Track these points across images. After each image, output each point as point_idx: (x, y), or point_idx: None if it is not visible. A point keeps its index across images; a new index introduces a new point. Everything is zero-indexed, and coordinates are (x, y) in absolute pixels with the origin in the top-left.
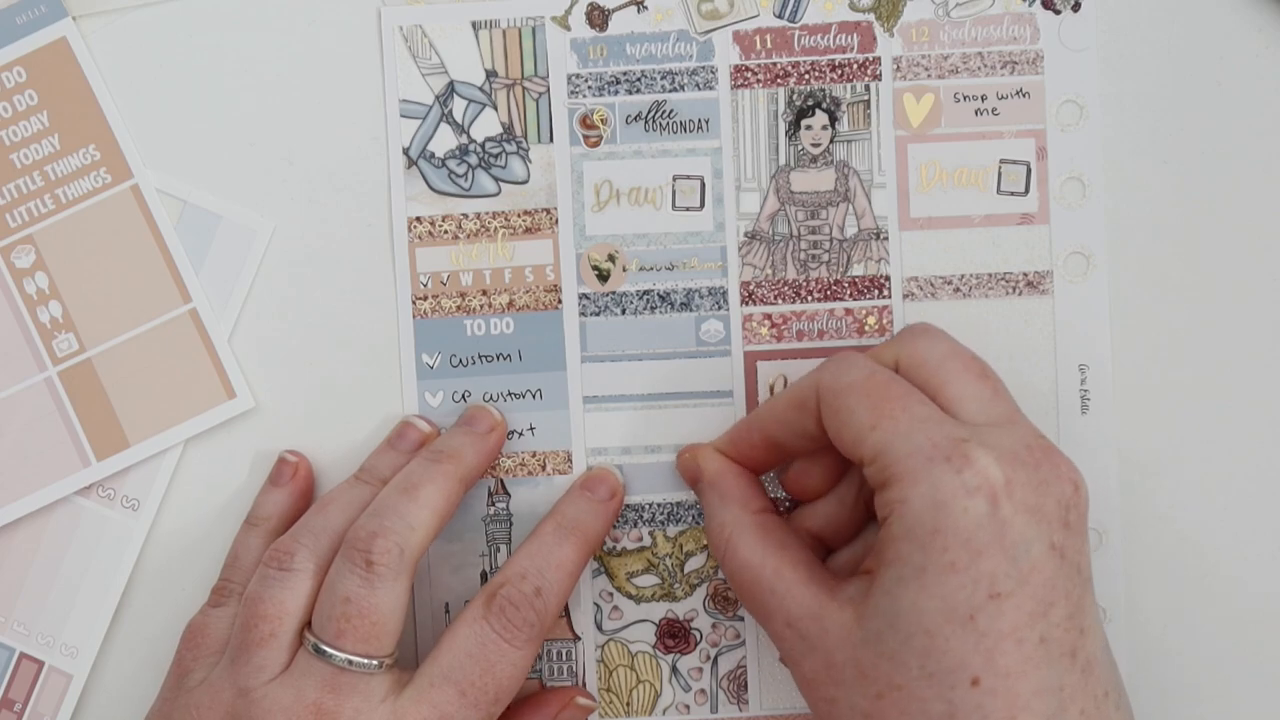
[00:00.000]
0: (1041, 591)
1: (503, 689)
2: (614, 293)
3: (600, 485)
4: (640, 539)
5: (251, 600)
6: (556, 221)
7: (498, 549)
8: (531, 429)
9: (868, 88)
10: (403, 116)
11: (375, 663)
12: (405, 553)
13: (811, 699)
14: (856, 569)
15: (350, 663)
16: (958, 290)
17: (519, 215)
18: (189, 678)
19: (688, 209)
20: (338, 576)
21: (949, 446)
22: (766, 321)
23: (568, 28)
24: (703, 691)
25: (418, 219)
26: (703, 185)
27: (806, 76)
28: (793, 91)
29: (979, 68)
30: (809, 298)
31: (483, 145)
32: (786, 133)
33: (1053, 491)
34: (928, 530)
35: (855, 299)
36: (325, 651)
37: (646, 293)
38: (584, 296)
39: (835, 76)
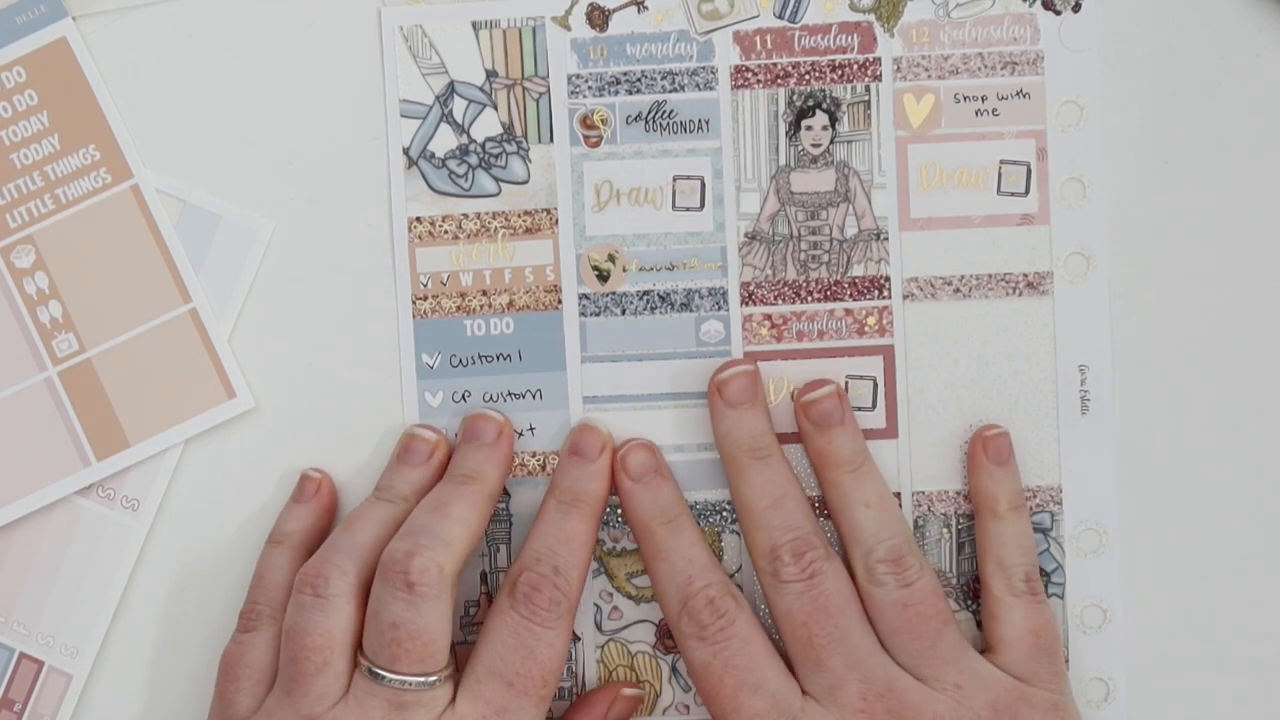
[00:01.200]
0: None
1: (548, 671)
2: (614, 293)
3: (588, 445)
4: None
5: (295, 632)
6: (556, 222)
7: (497, 549)
8: (531, 429)
9: (868, 88)
10: (403, 116)
11: (433, 678)
12: (444, 569)
13: None
14: None
15: (408, 683)
16: (958, 291)
17: (519, 215)
18: (235, 708)
19: (688, 209)
20: (380, 601)
21: None
22: (766, 322)
23: (568, 28)
24: None
25: (418, 219)
26: (703, 185)
27: (807, 77)
28: (793, 92)
29: (979, 68)
30: (809, 298)
31: (483, 145)
32: (787, 133)
33: None
34: None
35: (855, 299)
36: (382, 676)
37: (646, 293)
38: (584, 297)
39: (835, 77)
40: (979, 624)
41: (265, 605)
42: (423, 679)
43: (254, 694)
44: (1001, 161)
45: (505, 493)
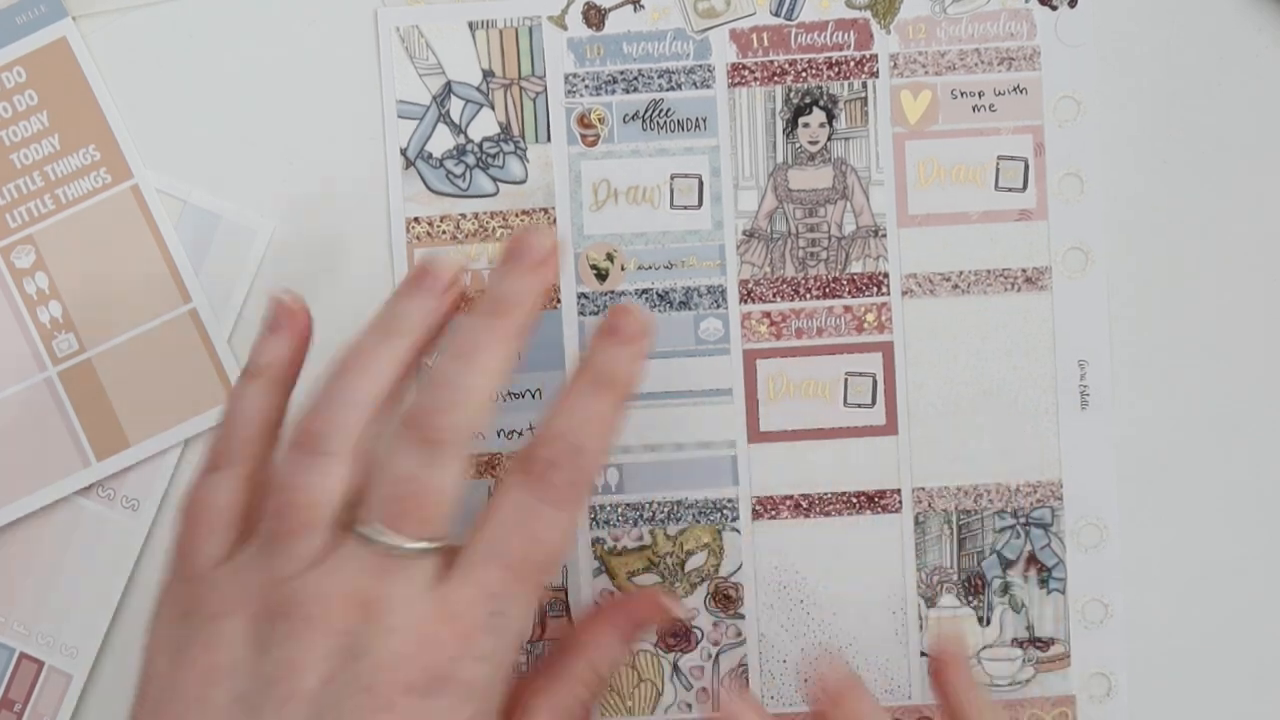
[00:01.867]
0: None
1: (550, 557)
2: (613, 292)
3: (626, 326)
4: (640, 538)
5: (285, 487)
6: (554, 221)
7: None
8: (531, 429)
9: (865, 85)
10: (400, 117)
11: (426, 545)
12: (470, 428)
13: None
14: None
15: (400, 549)
16: (956, 287)
17: (517, 215)
18: (197, 556)
19: (686, 208)
20: (395, 455)
21: None
22: (765, 319)
23: (564, 27)
24: (704, 690)
25: (416, 219)
26: (700, 184)
27: (804, 74)
28: (790, 89)
29: (976, 64)
30: (808, 295)
31: (480, 145)
32: (784, 130)
33: None
34: None
35: (854, 296)
36: (374, 538)
37: (645, 291)
38: (583, 296)
39: (832, 74)
40: (980, 620)
41: (237, 442)
42: (417, 545)
43: (218, 541)
44: (999, 157)
45: None
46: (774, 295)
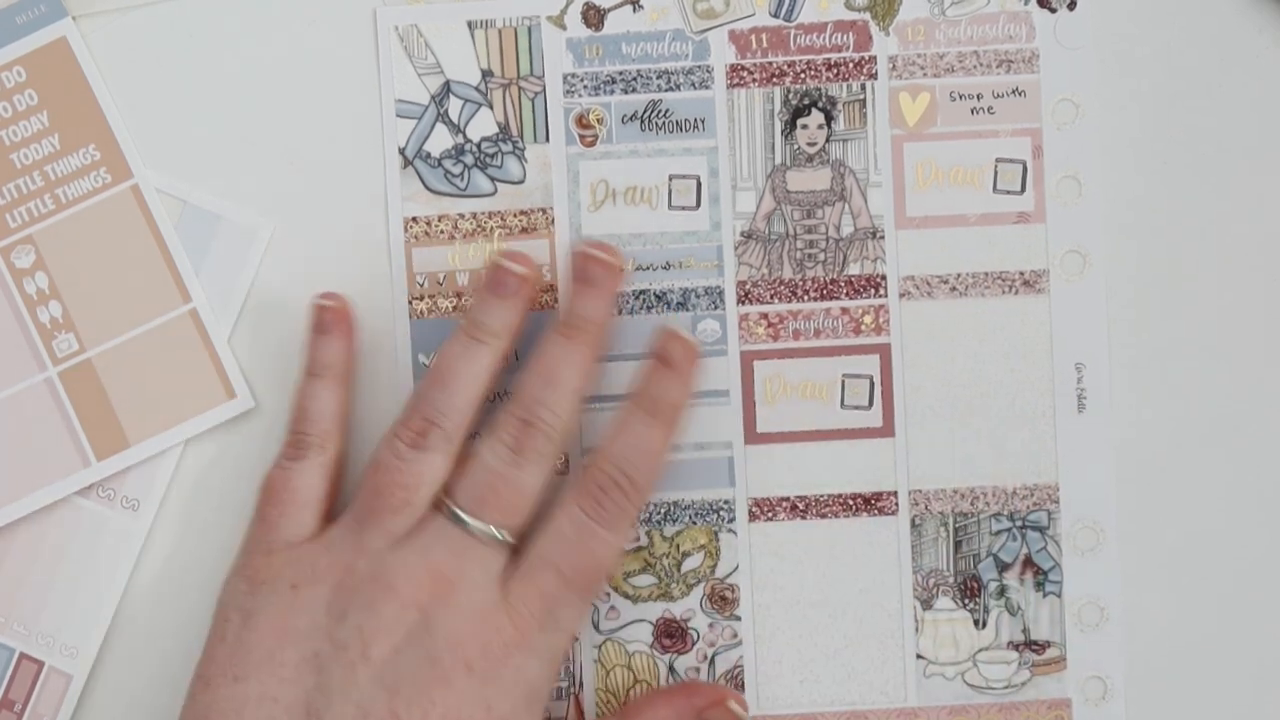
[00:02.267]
0: None
1: (599, 570)
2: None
3: (676, 354)
4: (637, 539)
5: (386, 467)
6: (553, 221)
7: None
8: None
9: (863, 87)
10: (398, 116)
11: (506, 534)
12: (553, 440)
13: None
14: None
15: (485, 532)
16: (954, 289)
17: (515, 215)
18: (277, 532)
19: (684, 208)
20: (487, 454)
21: None
22: (763, 321)
23: (563, 27)
24: None
25: (414, 219)
26: (699, 185)
27: (802, 76)
28: (788, 91)
29: (975, 66)
30: (805, 297)
31: (479, 145)
32: (782, 132)
33: None
34: None
35: (852, 298)
36: (463, 519)
37: (643, 292)
38: None
39: (831, 75)
40: (976, 623)
41: (314, 435)
42: (497, 530)
43: (297, 520)
44: (997, 160)
45: None
46: (771, 297)
